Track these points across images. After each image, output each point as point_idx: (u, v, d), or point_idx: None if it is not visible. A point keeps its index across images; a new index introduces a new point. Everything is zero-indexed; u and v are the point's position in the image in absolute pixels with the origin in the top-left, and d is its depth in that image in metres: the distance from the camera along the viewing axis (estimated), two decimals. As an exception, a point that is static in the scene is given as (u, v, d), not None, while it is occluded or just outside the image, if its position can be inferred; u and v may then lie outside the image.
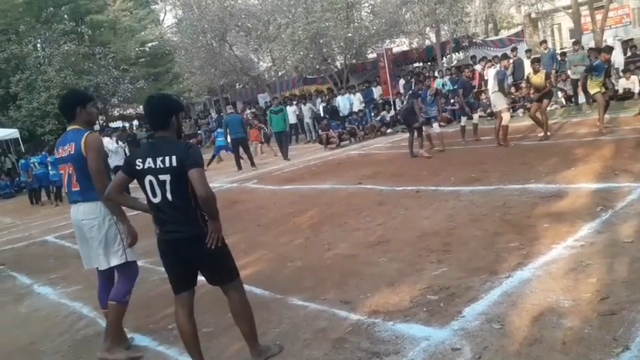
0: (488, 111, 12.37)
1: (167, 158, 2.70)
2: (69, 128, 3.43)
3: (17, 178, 18.17)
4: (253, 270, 4.73)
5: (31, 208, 13.92)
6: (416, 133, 9.78)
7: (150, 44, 28.99)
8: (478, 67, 14.69)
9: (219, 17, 20.12)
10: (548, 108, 10.29)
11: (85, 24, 23.93)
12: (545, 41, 16.44)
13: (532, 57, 11.88)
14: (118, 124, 27.08)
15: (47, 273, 6.08)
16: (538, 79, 9.34)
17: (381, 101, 17.10)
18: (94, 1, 25.37)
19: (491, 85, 9.66)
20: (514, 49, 15.06)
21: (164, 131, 2.84)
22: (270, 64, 23.46)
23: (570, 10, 17.44)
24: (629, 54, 13.63)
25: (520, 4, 23.77)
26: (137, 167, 2.76)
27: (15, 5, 22.37)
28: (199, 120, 25.22)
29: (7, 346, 4.09)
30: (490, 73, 11.19)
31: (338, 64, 20.80)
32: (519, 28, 22.99)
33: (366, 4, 20.16)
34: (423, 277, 3.86)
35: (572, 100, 13.04)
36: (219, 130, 15.33)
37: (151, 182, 2.74)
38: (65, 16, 25.03)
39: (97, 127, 20.40)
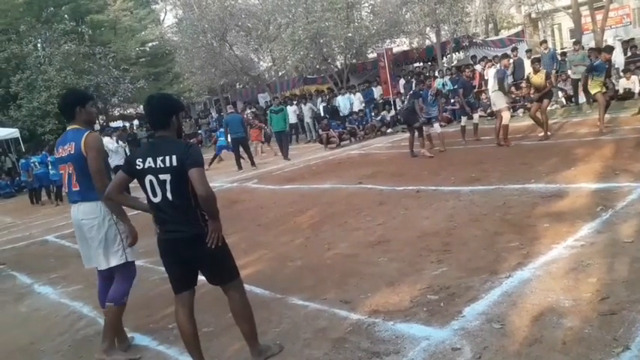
0: (489, 111, 12.36)
1: (167, 158, 2.70)
2: (69, 128, 3.43)
3: (17, 178, 18.19)
4: (253, 269, 4.73)
5: (32, 207, 13.92)
6: (417, 133, 9.79)
7: (150, 44, 29.02)
8: (478, 67, 14.67)
9: (220, 17, 20.12)
10: (549, 108, 10.29)
11: (86, 24, 23.94)
12: (545, 41, 16.42)
13: (532, 57, 11.87)
14: (119, 123, 27.09)
15: (47, 272, 6.08)
16: (538, 78, 9.34)
17: (381, 101, 17.10)
18: (94, 1, 25.39)
19: (491, 84, 9.66)
20: (514, 49, 15.04)
21: (164, 131, 2.84)
22: (270, 64, 23.46)
23: (570, 10, 17.43)
24: (629, 54, 13.63)
25: (520, 4, 23.75)
26: (137, 167, 2.77)
27: (15, 5, 22.39)
28: (200, 120, 25.22)
29: (7, 346, 4.09)
30: (490, 73, 11.19)
31: (338, 63, 20.80)
32: (519, 28, 22.97)
33: (367, 4, 20.17)
34: (423, 277, 3.86)
35: (573, 100, 13.04)
36: (221, 129, 15.35)
37: (151, 182, 2.74)
38: (65, 15, 25.05)
39: (97, 126, 20.44)
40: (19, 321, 4.67)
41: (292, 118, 16.72)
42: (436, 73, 16.27)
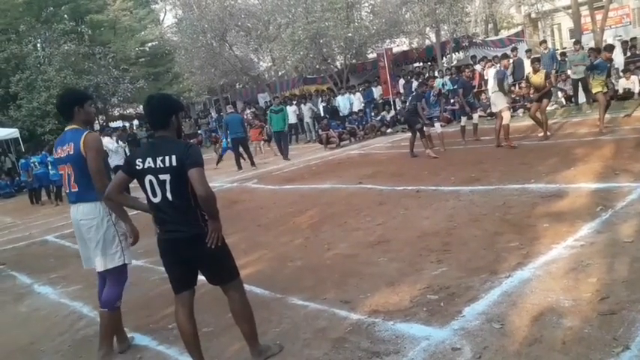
0: (489, 111, 12.36)
1: (167, 158, 2.70)
2: (67, 128, 3.42)
3: (17, 178, 18.19)
4: (253, 270, 4.73)
5: (32, 207, 13.92)
6: (418, 134, 9.79)
7: (150, 44, 29.00)
8: (478, 67, 14.69)
9: (219, 17, 20.12)
10: (549, 108, 10.29)
11: (85, 24, 23.93)
12: (545, 41, 16.42)
13: (532, 57, 11.87)
14: (118, 123, 27.09)
15: (47, 272, 6.08)
16: (538, 78, 9.34)
17: (381, 101, 17.11)
18: (94, 1, 25.37)
19: (491, 84, 9.66)
20: (514, 49, 15.05)
21: (164, 131, 2.84)
22: (270, 64, 23.47)
23: (570, 10, 17.43)
24: (628, 54, 13.63)
25: (520, 4, 23.77)
26: (137, 167, 2.77)
27: (15, 5, 22.38)
28: (199, 120, 25.22)
29: (7, 346, 4.09)
30: (490, 73, 11.19)
31: (338, 63, 20.80)
32: (519, 28, 22.98)
33: (366, 4, 20.16)
34: (423, 277, 3.86)
35: (572, 100, 13.04)
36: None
37: (151, 182, 2.74)
38: (65, 15, 25.04)
39: (97, 126, 20.46)
40: (19, 321, 4.66)
41: (292, 118, 16.71)
42: (436, 73, 16.27)
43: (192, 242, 2.76)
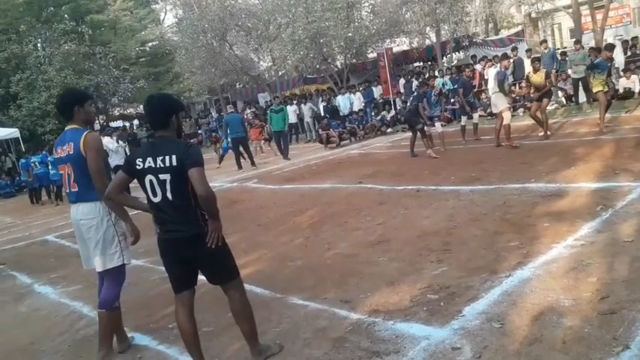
0: (489, 110, 12.35)
1: (167, 158, 2.70)
2: (67, 128, 3.41)
3: (18, 178, 18.21)
4: (253, 269, 4.73)
5: (32, 207, 13.93)
6: (419, 134, 9.79)
7: (150, 44, 29.02)
8: (478, 67, 14.69)
9: (220, 17, 20.12)
10: (549, 107, 10.28)
11: (86, 23, 23.94)
12: (545, 41, 16.42)
13: (532, 56, 11.87)
14: (119, 123, 27.10)
15: (47, 272, 6.08)
16: (538, 78, 9.33)
17: (381, 101, 17.10)
18: (94, 1, 25.39)
19: (492, 85, 9.65)
20: (514, 49, 15.04)
21: (164, 131, 2.84)
22: (270, 64, 23.46)
23: (570, 10, 17.41)
24: (629, 53, 13.63)
25: (520, 4, 23.76)
26: (137, 167, 2.77)
27: (15, 5, 22.39)
28: (200, 119, 25.22)
29: (7, 346, 4.09)
30: (490, 73, 11.19)
31: (338, 63, 20.80)
32: (519, 27, 22.96)
33: (367, 4, 20.15)
34: (423, 277, 3.86)
35: (573, 99, 13.04)
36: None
37: (151, 182, 2.75)
38: (65, 15, 25.05)
39: (97, 126, 20.46)
40: (19, 321, 4.66)
41: (292, 118, 16.73)
42: (436, 73, 16.27)
43: (193, 242, 2.76)
